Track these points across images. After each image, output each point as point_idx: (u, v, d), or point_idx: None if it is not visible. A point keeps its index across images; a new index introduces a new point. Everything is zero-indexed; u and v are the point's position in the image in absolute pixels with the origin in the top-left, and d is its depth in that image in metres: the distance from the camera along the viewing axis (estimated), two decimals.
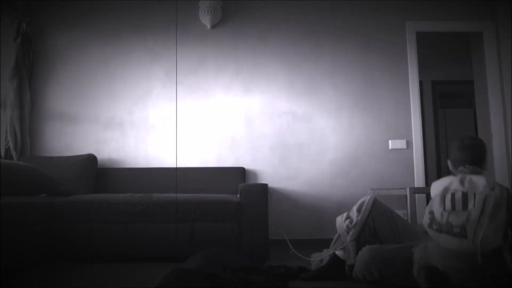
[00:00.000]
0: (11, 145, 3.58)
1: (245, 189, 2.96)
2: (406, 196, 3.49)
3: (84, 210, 2.87)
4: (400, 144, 3.82)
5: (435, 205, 1.69)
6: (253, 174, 3.77)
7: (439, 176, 5.69)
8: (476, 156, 1.87)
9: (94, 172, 3.55)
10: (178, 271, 1.79)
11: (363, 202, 2.38)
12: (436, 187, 1.80)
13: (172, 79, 3.88)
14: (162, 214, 2.86)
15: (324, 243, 2.81)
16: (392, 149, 3.82)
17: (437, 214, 1.66)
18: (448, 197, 1.68)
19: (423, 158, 3.82)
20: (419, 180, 3.77)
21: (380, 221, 2.33)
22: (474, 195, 1.64)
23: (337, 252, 2.32)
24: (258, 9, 3.96)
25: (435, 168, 5.64)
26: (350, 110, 3.86)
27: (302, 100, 3.86)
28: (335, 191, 3.74)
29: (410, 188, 3.01)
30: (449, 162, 1.99)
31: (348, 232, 2.31)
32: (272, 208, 3.56)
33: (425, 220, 1.72)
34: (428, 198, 4.98)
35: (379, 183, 3.76)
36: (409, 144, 3.83)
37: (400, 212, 3.42)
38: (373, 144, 3.82)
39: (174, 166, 3.73)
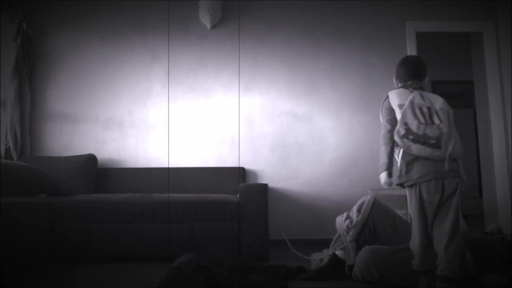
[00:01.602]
0: (11, 145, 3.58)
1: (245, 189, 2.96)
2: (406, 196, 3.49)
3: (84, 210, 2.87)
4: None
5: (409, 118, 1.82)
6: (253, 174, 3.77)
7: None
8: (419, 70, 2.08)
9: (94, 172, 3.55)
10: (172, 271, 1.80)
11: (363, 202, 2.39)
12: (397, 99, 1.94)
13: (172, 79, 3.88)
14: (162, 214, 2.86)
15: (324, 243, 2.81)
16: None
17: (413, 126, 1.79)
18: (418, 111, 1.83)
19: None
20: None
21: (380, 221, 2.33)
22: (435, 110, 1.84)
23: (337, 252, 2.33)
24: (258, 9, 3.96)
25: None
26: (350, 110, 3.86)
27: (302, 100, 3.86)
28: (335, 191, 3.74)
29: None
30: (395, 81, 2.15)
31: (348, 232, 2.32)
32: (272, 208, 3.56)
33: (400, 131, 1.82)
34: None
35: (379, 183, 3.74)
36: None
37: (400, 212, 3.41)
38: (373, 144, 3.82)
39: (175, 166, 3.73)
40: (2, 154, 3.58)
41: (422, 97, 1.89)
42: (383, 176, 2.00)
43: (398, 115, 1.88)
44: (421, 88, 2.02)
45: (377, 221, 2.32)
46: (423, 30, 3.99)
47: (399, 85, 2.09)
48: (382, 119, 2.04)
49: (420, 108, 1.83)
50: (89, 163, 3.51)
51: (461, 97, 6.84)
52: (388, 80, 3.90)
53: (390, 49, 3.92)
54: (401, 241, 2.24)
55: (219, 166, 3.73)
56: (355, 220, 2.33)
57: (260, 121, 3.84)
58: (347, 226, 2.33)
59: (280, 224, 3.47)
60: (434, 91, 5.70)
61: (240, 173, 3.65)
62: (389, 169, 1.99)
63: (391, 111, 1.96)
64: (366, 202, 2.37)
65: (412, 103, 1.86)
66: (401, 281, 2.02)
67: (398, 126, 1.84)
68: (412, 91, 1.94)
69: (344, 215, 2.41)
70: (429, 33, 4.20)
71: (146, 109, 3.86)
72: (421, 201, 1.77)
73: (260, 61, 3.91)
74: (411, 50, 3.90)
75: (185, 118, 3.84)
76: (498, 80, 3.93)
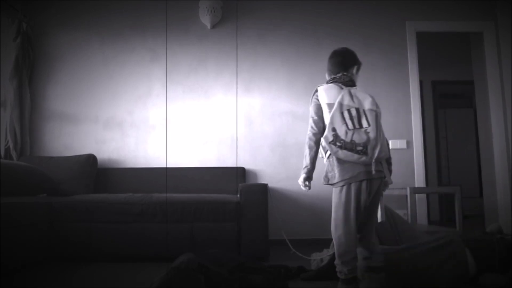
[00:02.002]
0: (11, 145, 3.58)
1: (245, 189, 2.96)
2: (406, 196, 3.49)
3: (84, 210, 2.87)
4: (400, 144, 3.82)
5: (338, 123, 1.83)
6: (253, 174, 3.77)
7: (439, 176, 5.69)
8: (346, 60, 2.03)
9: (94, 172, 3.55)
10: (172, 271, 1.80)
11: None
12: (326, 97, 1.91)
13: (172, 79, 3.88)
14: (162, 214, 2.86)
15: (324, 243, 2.81)
16: (392, 149, 3.79)
17: (341, 132, 1.81)
18: (347, 115, 1.83)
19: (423, 158, 3.82)
20: (419, 180, 3.77)
21: (380, 222, 2.33)
22: (364, 112, 1.84)
23: None
24: (258, 9, 3.96)
25: (435, 168, 5.64)
26: None
27: (302, 100, 3.85)
28: None
29: (410, 188, 3.01)
30: (326, 75, 2.08)
31: None
32: (272, 208, 3.56)
33: (328, 137, 1.84)
34: (429, 198, 4.98)
35: None
36: (409, 144, 3.83)
37: (400, 212, 3.42)
38: None
39: (175, 166, 3.72)
40: (2, 154, 3.58)
41: (351, 96, 1.87)
42: (301, 180, 2.02)
43: (326, 115, 1.87)
44: (351, 81, 1.98)
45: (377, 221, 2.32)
46: (423, 30, 3.99)
47: (328, 78, 2.05)
48: (310, 114, 2.01)
49: (349, 111, 1.83)
50: (89, 163, 3.51)
51: (461, 97, 6.84)
52: (388, 80, 3.91)
53: (390, 49, 3.92)
54: (401, 241, 2.24)
55: (219, 166, 3.73)
56: None
57: (260, 121, 3.84)
58: None
59: (280, 224, 3.47)
60: (434, 91, 5.70)
61: (240, 173, 3.65)
62: (309, 173, 2.03)
63: (319, 109, 1.94)
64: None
65: (340, 105, 1.84)
66: (401, 281, 2.02)
67: (326, 132, 1.85)
68: (342, 88, 1.90)
69: None
70: (429, 33, 4.20)
71: (146, 109, 3.85)
72: (351, 201, 1.84)
73: (260, 61, 3.91)
74: (411, 50, 3.90)
75: (185, 118, 3.84)
76: (498, 80, 3.93)
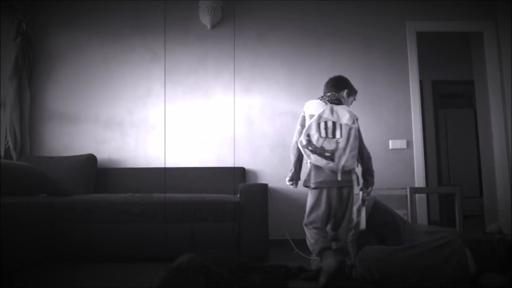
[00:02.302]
0: (11, 145, 3.58)
1: (245, 189, 2.96)
2: (406, 196, 3.49)
3: (84, 210, 2.87)
4: (400, 144, 3.82)
5: (313, 130, 2.10)
6: (253, 174, 3.77)
7: (439, 176, 5.69)
8: (337, 83, 2.41)
9: (94, 172, 3.55)
10: (172, 271, 1.80)
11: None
12: (310, 109, 2.22)
13: (172, 79, 3.88)
14: (162, 214, 2.86)
15: None
16: (392, 149, 3.82)
17: (314, 138, 2.08)
18: (322, 125, 2.10)
19: (423, 158, 3.82)
20: (419, 180, 3.77)
21: (380, 221, 2.34)
22: (341, 125, 2.09)
23: None
24: (258, 9, 3.96)
25: (435, 168, 5.64)
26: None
27: (302, 100, 3.84)
28: None
29: (410, 188, 3.01)
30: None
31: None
32: (272, 208, 3.56)
33: (303, 141, 2.12)
34: (429, 198, 4.97)
35: (379, 183, 3.73)
36: (409, 144, 3.83)
37: (400, 212, 3.41)
38: (373, 144, 3.81)
39: (175, 166, 3.73)
40: (2, 154, 3.58)
41: (332, 111, 2.13)
42: (287, 180, 2.37)
43: (307, 124, 2.16)
44: (337, 101, 2.28)
45: (378, 221, 2.32)
46: (423, 30, 3.99)
47: (319, 96, 2.38)
48: (297, 124, 2.32)
49: (326, 123, 2.09)
50: (89, 163, 3.51)
51: (461, 97, 6.84)
52: (388, 80, 3.91)
53: (390, 49, 3.92)
54: (401, 241, 2.24)
55: (219, 166, 3.73)
56: (355, 220, 2.33)
57: (260, 121, 3.84)
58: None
59: (280, 224, 3.47)
60: (434, 91, 5.70)
61: (240, 173, 3.64)
62: (293, 176, 2.34)
63: (304, 120, 2.23)
64: (366, 202, 2.37)
65: (319, 117, 2.12)
66: (402, 281, 2.02)
67: (301, 136, 2.12)
68: (326, 104, 2.20)
69: None
70: (429, 33, 4.20)
71: (146, 109, 3.85)
72: (321, 204, 2.16)
73: (260, 61, 3.91)
74: (411, 50, 3.90)
75: (185, 118, 3.84)
76: (498, 80, 3.93)
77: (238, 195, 3.02)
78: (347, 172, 2.09)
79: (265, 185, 3.03)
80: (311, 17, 3.95)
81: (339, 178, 2.09)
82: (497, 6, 3.96)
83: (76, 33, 3.94)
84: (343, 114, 2.13)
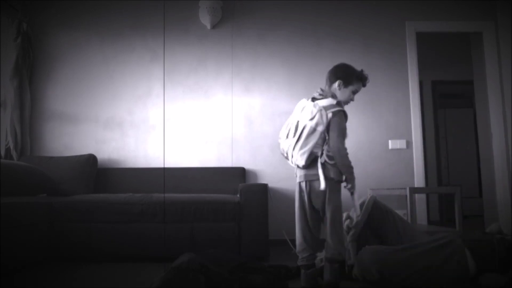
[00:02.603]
0: (11, 145, 3.58)
1: (245, 189, 2.96)
2: (406, 196, 3.49)
3: (84, 210, 2.87)
4: (400, 144, 3.82)
5: (282, 132, 2.20)
6: (253, 174, 3.77)
7: (439, 176, 5.69)
8: (330, 76, 2.28)
9: (94, 172, 3.55)
10: (172, 271, 1.80)
11: (363, 202, 2.39)
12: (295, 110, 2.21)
13: (172, 79, 3.88)
14: (162, 214, 2.86)
15: (323, 243, 2.81)
16: (392, 149, 3.82)
17: (280, 140, 2.20)
18: (286, 126, 2.17)
19: (423, 158, 3.82)
20: (419, 180, 3.77)
21: (380, 221, 2.33)
22: (299, 124, 2.08)
23: None
24: (258, 9, 3.96)
25: (435, 168, 5.64)
26: (349, 110, 3.84)
27: None
28: None
29: (410, 188, 3.01)
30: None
31: (348, 232, 2.32)
32: (272, 208, 3.56)
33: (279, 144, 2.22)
34: (429, 198, 4.98)
35: (379, 183, 3.76)
36: (409, 144, 3.83)
37: (400, 212, 3.41)
38: (373, 144, 3.82)
39: (175, 166, 3.73)
40: (2, 154, 3.58)
41: (302, 110, 2.12)
42: None
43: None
44: (323, 95, 2.20)
45: (377, 221, 2.32)
46: (423, 30, 3.99)
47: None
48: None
49: (291, 124, 2.12)
50: (89, 163, 3.51)
51: (461, 97, 6.84)
52: (388, 80, 3.91)
53: (390, 49, 3.92)
54: (401, 241, 2.24)
55: (219, 166, 3.73)
56: (355, 220, 2.33)
57: (260, 121, 3.84)
58: (347, 226, 2.33)
59: (280, 224, 3.47)
60: (434, 91, 5.70)
61: (240, 173, 3.65)
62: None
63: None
64: (366, 202, 2.37)
65: (289, 119, 2.17)
66: (401, 281, 2.02)
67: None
68: (308, 101, 2.16)
69: (344, 215, 2.41)
70: (429, 33, 4.20)
71: (146, 109, 3.86)
72: (296, 199, 2.25)
73: (260, 61, 3.91)
74: (411, 50, 3.90)
75: (185, 118, 3.84)
76: (498, 80, 3.93)
77: (238, 195, 3.02)
78: (306, 168, 2.12)
79: (265, 185, 3.03)
80: (311, 17, 3.95)
81: (298, 173, 2.20)
82: (497, 6, 3.96)
83: (76, 33, 3.94)
84: (307, 113, 2.09)
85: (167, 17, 3.94)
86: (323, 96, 2.20)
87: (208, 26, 3.90)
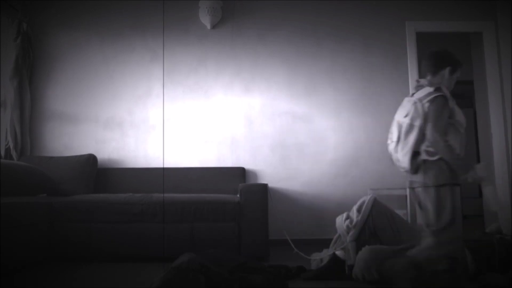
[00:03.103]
0: (11, 145, 3.58)
1: (245, 189, 2.96)
2: (406, 196, 3.49)
3: (84, 210, 2.87)
4: None
5: (391, 133, 2.06)
6: (253, 174, 3.77)
7: None
8: (437, 62, 2.02)
9: (94, 172, 3.55)
10: (172, 271, 1.80)
11: (363, 202, 2.39)
12: (400, 109, 2.07)
13: (172, 79, 3.88)
14: (162, 214, 2.86)
15: (324, 243, 2.81)
16: None
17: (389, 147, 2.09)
18: (392, 129, 2.05)
19: None
20: None
21: (380, 222, 2.33)
22: (397, 124, 1.97)
23: (337, 252, 2.33)
24: (258, 9, 3.96)
25: None
26: (350, 110, 3.86)
27: (302, 100, 3.86)
28: (335, 191, 3.74)
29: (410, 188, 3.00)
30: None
31: (348, 232, 2.32)
32: (272, 208, 3.56)
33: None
34: None
35: (379, 183, 3.76)
36: None
37: (400, 212, 3.41)
38: (373, 144, 3.82)
39: (175, 166, 3.73)
40: (2, 154, 3.58)
41: (400, 111, 1.98)
42: None
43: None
44: (420, 87, 2.02)
45: (377, 221, 2.32)
46: (423, 30, 3.99)
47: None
48: None
49: (393, 126, 2.00)
50: (89, 163, 3.51)
51: (461, 97, 6.83)
52: (388, 80, 3.91)
53: (390, 49, 3.92)
54: (401, 241, 2.24)
55: (219, 166, 3.73)
56: (355, 220, 2.32)
57: (260, 121, 3.84)
58: (347, 226, 2.33)
59: (280, 224, 3.47)
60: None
61: (240, 173, 3.64)
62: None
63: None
64: (366, 202, 2.37)
65: (394, 120, 2.02)
66: (401, 281, 2.02)
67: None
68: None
69: (344, 215, 2.41)
70: (429, 33, 4.19)
71: (146, 109, 3.86)
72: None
73: (260, 61, 3.91)
74: (411, 50, 3.90)
75: (185, 118, 3.84)
76: (498, 80, 3.93)
77: (238, 195, 3.02)
78: (415, 173, 1.88)
79: (265, 185, 3.03)
80: (311, 17, 3.95)
81: (410, 179, 1.95)
82: (497, 6, 3.96)
83: (76, 33, 3.94)
84: (403, 108, 1.92)
85: (167, 17, 3.94)
86: (420, 86, 2.00)
87: (208, 26, 3.90)
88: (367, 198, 2.41)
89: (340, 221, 2.40)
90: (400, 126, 1.89)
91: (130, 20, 3.95)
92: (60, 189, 3.16)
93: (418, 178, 1.88)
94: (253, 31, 3.93)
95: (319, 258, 2.49)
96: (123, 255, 2.84)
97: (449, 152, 1.80)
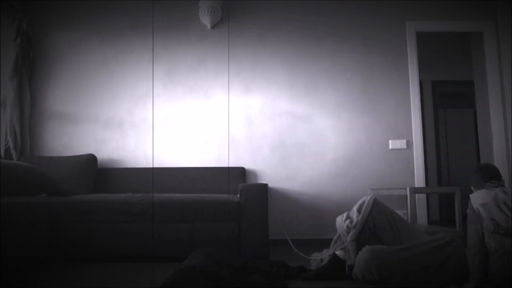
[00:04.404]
0: (11, 145, 3.58)
1: (245, 189, 2.96)
2: (406, 196, 3.49)
3: (84, 210, 2.87)
4: (400, 144, 3.82)
5: (496, 213, 1.87)
6: (253, 174, 3.77)
7: (439, 176, 5.69)
8: (496, 172, 2.18)
9: (94, 172, 3.55)
10: (180, 272, 1.79)
11: (363, 202, 2.38)
12: (479, 198, 2.01)
13: (172, 79, 3.88)
14: (162, 214, 2.86)
15: (324, 243, 2.82)
16: (392, 149, 3.82)
17: (501, 221, 1.84)
18: (503, 206, 1.88)
19: (423, 158, 3.82)
20: (419, 180, 3.77)
21: (380, 222, 2.33)
22: None
23: (337, 252, 2.33)
24: (258, 9, 3.96)
25: (435, 168, 5.64)
26: (350, 110, 3.86)
27: (302, 100, 3.86)
28: (335, 191, 3.74)
29: (410, 188, 3.01)
30: (473, 187, 2.20)
31: (348, 232, 2.31)
32: (272, 208, 3.57)
33: (488, 227, 1.88)
34: (429, 198, 4.98)
35: (379, 183, 3.76)
36: (409, 144, 3.83)
37: (400, 212, 3.42)
38: (373, 144, 3.82)
39: (175, 166, 3.73)
40: (2, 154, 3.58)
41: (505, 192, 1.93)
42: None
43: (483, 213, 1.95)
44: (501, 185, 2.08)
45: (377, 221, 2.32)
46: (423, 30, 3.99)
47: (476, 188, 2.18)
48: (468, 226, 2.05)
49: (505, 203, 1.88)
50: (89, 163, 3.51)
51: (461, 97, 6.84)
52: (388, 80, 3.91)
53: (390, 49, 3.92)
54: (401, 241, 2.24)
55: (219, 166, 3.73)
56: (355, 220, 2.32)
57: (260, 121, 3.84)
58: (347, 226, 2.33)
59: (280, 224, 3.47)
60: (434, 91, 5.70)
61: (240, 173, 3.64)
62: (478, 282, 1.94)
63: (476, 215, 1.99)
64: (366, 202, 2.37)
65: (496, 199, 1.91)
66: (401, 281, 2.02)
67: (485, 222, 1.90)
68: (493, 190, 2.00)
69: (344, 215, 2.41)
70: (429, 33, 4.20)
71: (146, 109, 3.86)
72: None
73: (260, 61, 3.91)
74: (411, 50, 3.90)
75: (185, 118, 3.84)
76: (498, 80, 3.93)
77: (238, 195, 3.02)
78: None
79: (265, 185, 3.03)
80: (311, 17, 3.95)
81: None
82: (497, 6, 3.96)
83: (76, 33, 3.94)
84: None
85: (167, 17, 3.94)
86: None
87: (208, 26, 3.90)
88: (367, 198, 2.41)
89: (340, 221, 2.40)
90: None
91: (130, 20, 3.95)
92: (60, 189, 3.16)
93: None
94: (253, 31, 3.93)
95: (319, 258, 2.49)
96: (123, 255, 2.84)
97: None
